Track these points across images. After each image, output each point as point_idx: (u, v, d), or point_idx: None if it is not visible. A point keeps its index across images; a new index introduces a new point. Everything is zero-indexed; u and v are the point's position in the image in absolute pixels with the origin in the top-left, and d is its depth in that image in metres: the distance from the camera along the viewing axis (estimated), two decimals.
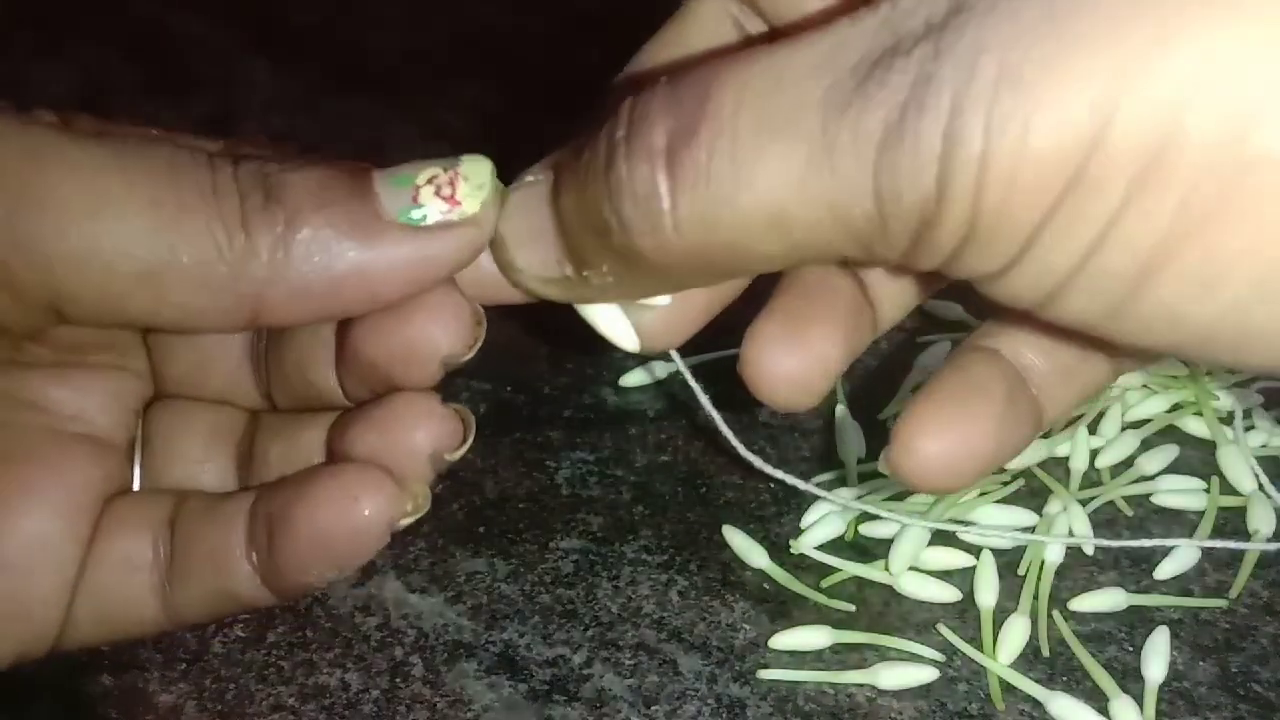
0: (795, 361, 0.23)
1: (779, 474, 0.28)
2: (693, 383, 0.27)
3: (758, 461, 0.28)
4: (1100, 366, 0.25)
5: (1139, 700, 0.29)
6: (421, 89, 0.55)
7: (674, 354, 0.25)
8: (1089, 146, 0.16)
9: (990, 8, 0.17)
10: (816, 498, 0.34)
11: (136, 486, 0.26)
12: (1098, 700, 0.29)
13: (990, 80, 0.17)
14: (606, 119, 0.20)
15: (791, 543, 0.33)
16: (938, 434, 0.23)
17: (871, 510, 0.31)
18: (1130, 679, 0.30)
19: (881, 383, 0.39)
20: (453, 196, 0.21)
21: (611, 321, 0.23)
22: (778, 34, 0.23)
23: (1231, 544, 0.32)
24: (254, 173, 0.21)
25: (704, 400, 0.27)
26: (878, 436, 0.36)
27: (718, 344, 0.40)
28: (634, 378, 0.38)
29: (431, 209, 0.21)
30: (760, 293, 0.24)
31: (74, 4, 0.61)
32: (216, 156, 0.21)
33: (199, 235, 0.20)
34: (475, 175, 0.22)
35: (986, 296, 0.20)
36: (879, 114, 0.17)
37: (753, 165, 0.18)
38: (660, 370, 0.39)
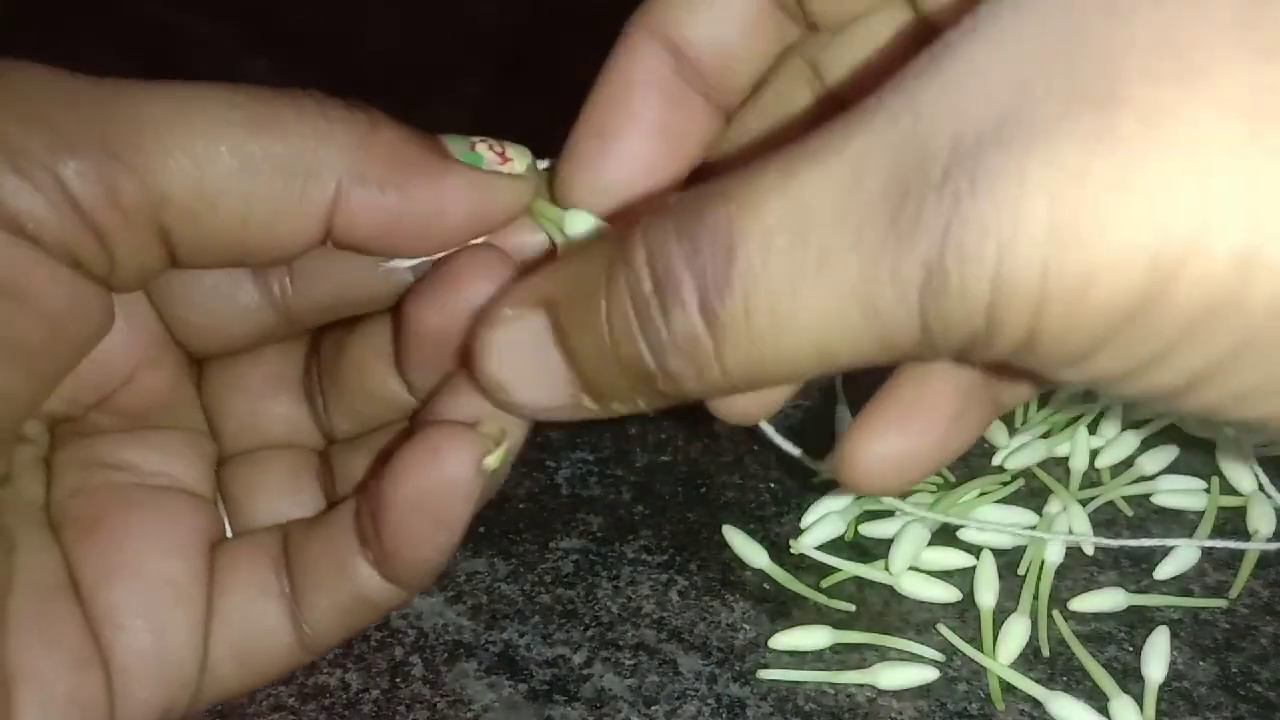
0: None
1: (803, 456, 0.29)
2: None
3: (788, 445, 0.29)
4: None
5: (1139, 700, 0.29)
6: (421, 89, 0.55)
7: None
8: (1152, 296, 0.16)
9: (1031, 133, 0.16)
10: (816, 498, 0.34)
11: (230, 535, 0.26)
12: (1098, 700, 0.29)
13: (1041, 228, 0.16)
14: (614, 257, 0.20)
15: (791, 543, 0.33)
16: (883, 437, 0.23)
17: (883, 502, 0.31)
18: (1130, 679, 0.30)
19: (881, 383, 0.39)
20: (504, 154, 0.23)
21: None
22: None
23: (1231, 544, 0.32)
24: (324, 96, 0.22)
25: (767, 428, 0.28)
26: None
27: None
28: None
29: (488, 158, 0.23)
30: None
31: (74, 4, 0.61)
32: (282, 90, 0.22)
33: (284, 124, 0.21)
34: (518, 149, 0.24)
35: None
36: (917, 257, 0.17)
37: (793, 316, 0.18)
38: None
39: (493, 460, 0.23)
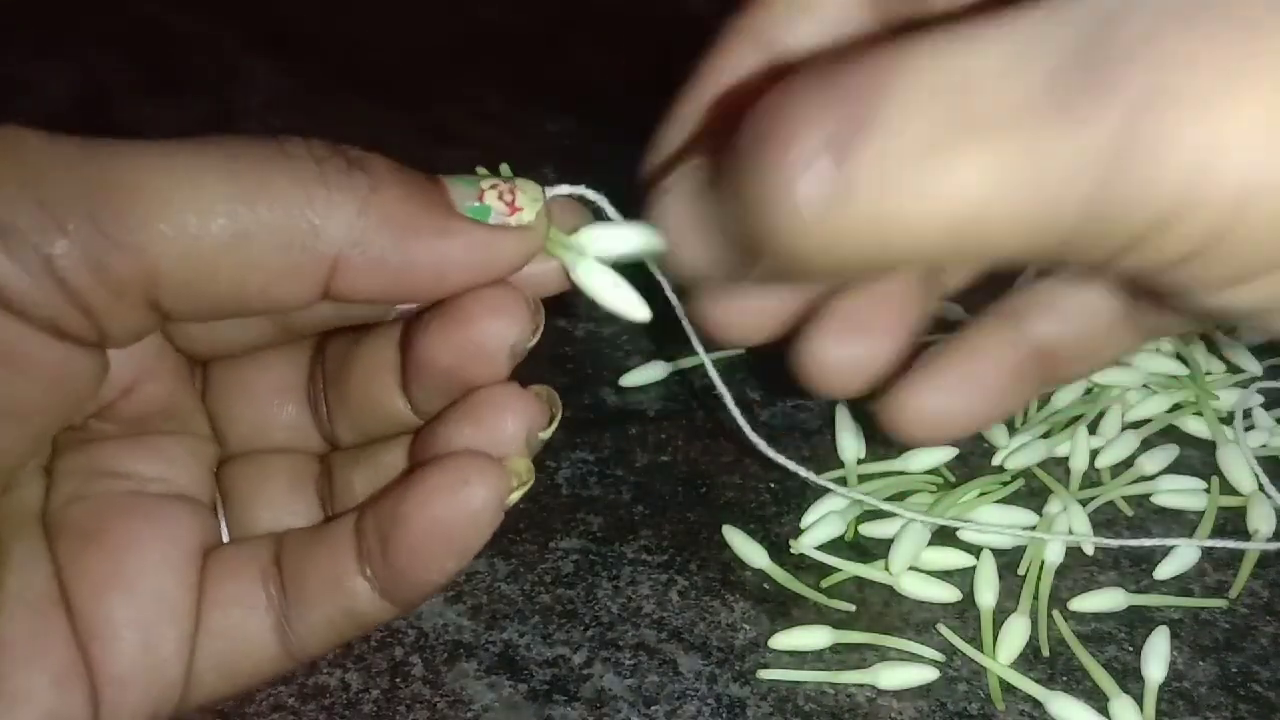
0: (851, 352, 0.23)
1: (798, 468, 0.28)
2: (718, 381, 0.27)
3: (781, 459, 0.28)
4: (1124, 340, 0.25)
5: (1139, 700, 0.29)
6: (421, 89, 0.55)
7: (701, 351, 0.26)
8: None
9: (1225, 10, 0.15)
10: (817, 497, 0.34)
11: (227, 540, 0.26)
12: (1098, 700, 0.29)
13: (1262, 112, 0.15)
14: (755, 113, 0.18)
15: (791, 543, 0.33)
16: (935, 391, 0.23)
17: (878, 505, 0.31)
18: (1130, 679, 0.30)
19: (882, 383, 0.39)
20: (514, 203, 0.22)
21: (619, 294, 0.23)
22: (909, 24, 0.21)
23: (1231, 544, 0.32)
24: (328, 146, 0.22)
25: (727, 399, 0.27)
26: (878, 437, 0.37)
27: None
28: (634, 377, 0.38)
29: (496, 208, 0.22)
30: None
31: (74, 4, 0.61)
32: (282, 137, 0.22)
33: (280, 194, 0.20)
34: (530, 190, 0.23)
35: (1145, 288, 0.18)
36: (1104, 126, 0.16)
37: (937, 173, 0.17)
38: (660, 370, 0.39)
39: (515, 497, 0.23)
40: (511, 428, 0.23)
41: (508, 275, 0.23)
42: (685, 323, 0.26)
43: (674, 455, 0.36)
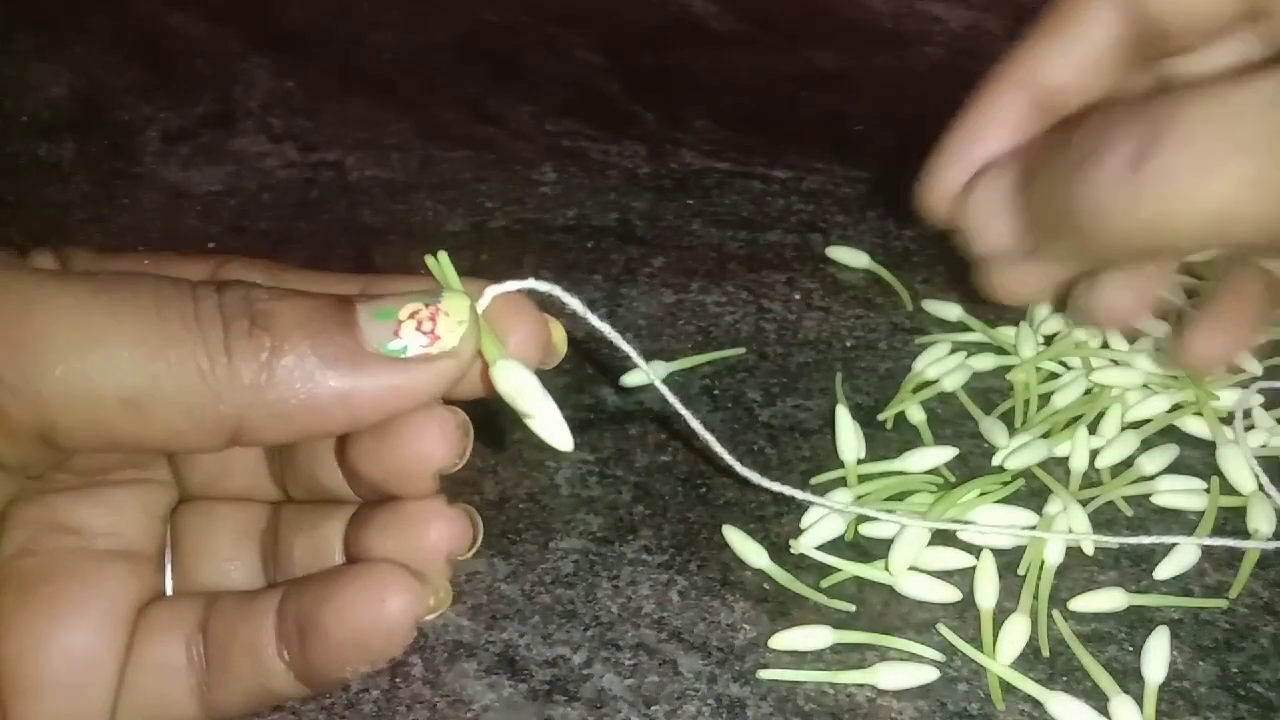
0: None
1: (773, 485, 0.29)
2: (676, 403, 0.28)
3: (754, 476, 0.29)
4: None
5: (1139, 700, 0.29)
6: (421, 89, 0.55)
7: (654, 378, 0.27)
8: None
9: None
10: (818, 496, 0.34)
11: (169, 590, 0.26)
12: (1098, 700, 0.29)
13: None
14: (1077, 131, 0.25)
15: (791, 543, 0.33)
16: (1210, 339, 0.31)
17: (870, 514, 0.31)
18: (1130, 679, 0.30)
19: (881, 383, 0.39)
20: (433, 332, 0.22)
21: (545, 423, 0.24)
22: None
23: (1231, 542, 0.32)
24: (240, 299, 0.21)
25: (695, 423, 0.28)
26: (878, 437, 0.37)
27: (712, 344, 0.40)
28: (634, 378, 0.38)
29: (412, 343, 0.22)
30: None
31: (74, 4, 0.61)
32: (202, 285, 0.22)
33: (182, 363, 0.21)
34: (456, 311, 0.22)
35: None
36: None
37: (1210, 173, 0.23)
38: (660, 369, 0.39)
39: (431, 616, 0.24)
40: (433, 546, 0.24)
41: (427, 403, 0.23)
42: (633, 354, 0.26)
43: (674, 455, 0.36)
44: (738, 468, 0.29)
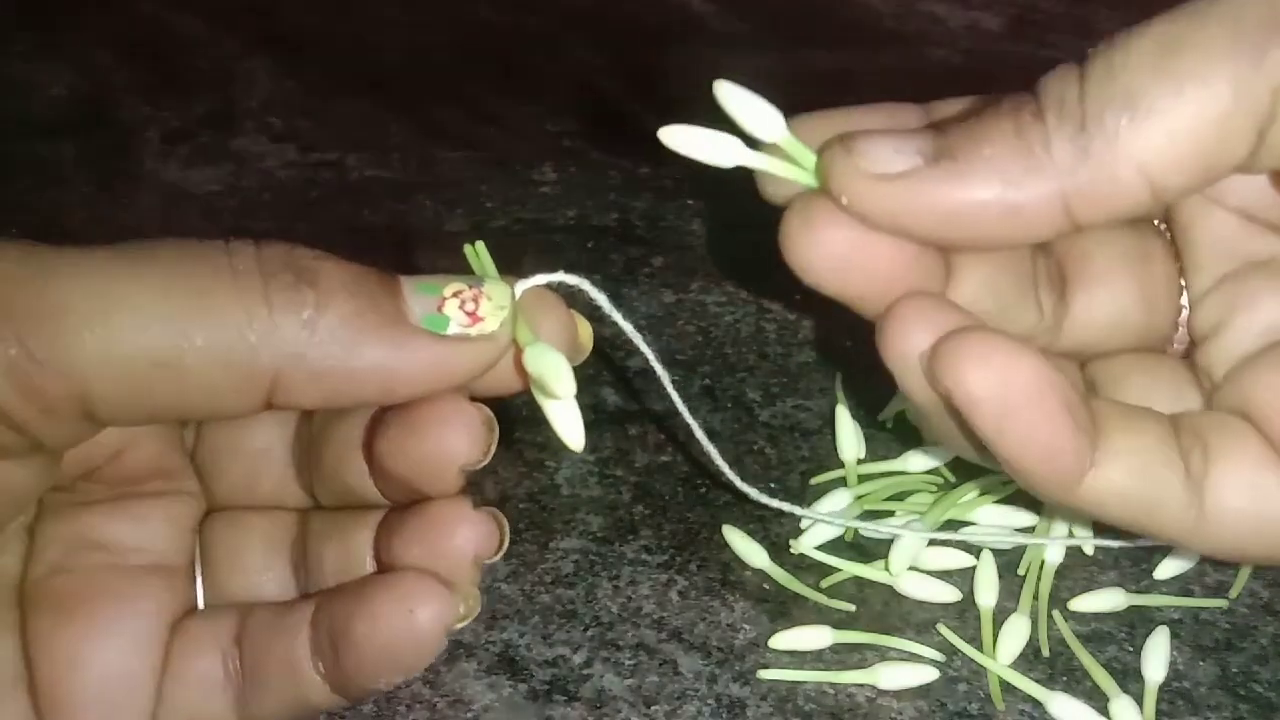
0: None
1: (768, 500, 0.29)
2: (685, 411, 0.28)
3: (754, 492, 0.29)
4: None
5: (1139, 700, 0.29)
6: (421, 89, 0.55)
7: (666, 381, 0.27)
8: None
9: None
10: (817, 498, 0.34)
11: (201, 604, 0.26)
12: (1098, 700, 0.29)
13: None
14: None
15: (791, 543, 0.33)
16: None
17: (867, 528, 0.30)
18: (1130, 679, 0.30)
19: (881, 383, 0.39)
20: (475, 312, 0.22)
21: (561, 415, 0.24)
22: None
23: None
24: (281, 254, 0.21)
25: (698, 431, 0.28)
26: (878, 437, 0.37)
27: (710, 357, 0.40)
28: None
29: (455, 319, 0.22)
30: None
31: (74, 4, 0.61)
32: (236, 241, 0.21)
33: (217, 316, 0.20)
34: (497, 297, 0.22)
35: None
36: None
37: (1153, 105, 0.20)
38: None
39: (462, 624, 0.24)
40: (460, 550, 0.24)
41: (463, 385, 0.22)
42: (651, 357, 0.27)
43: (674, 455, 0.36)
44: (739, 484, 0.29)
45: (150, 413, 0.21)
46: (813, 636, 0.31)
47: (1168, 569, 0.32)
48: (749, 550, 0.33)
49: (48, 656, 0.23)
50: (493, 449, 0.24)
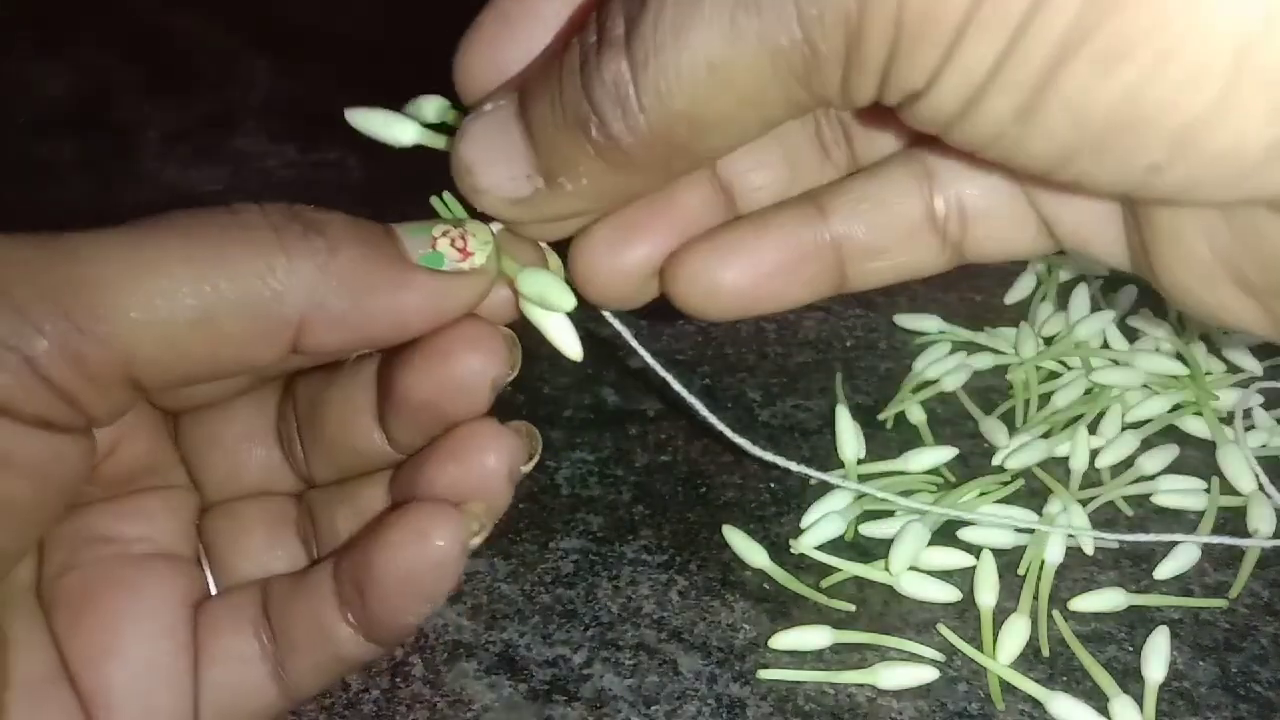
0: (627, 257, 0.25)
1: (788, 463, 0.29)
2: (684, 392, 0.28)
3: (769, 456, 0.29)
4: (927, 251, 0.26)
5: (1139, 700, 0.29)
6: (421, 89, 0.55)
7: (651, 360, 0.27)
8: None
9: None
10: (817, 497, 0.34)
11: (214, 591, 0.26)
12: (1098, 700, 0.29)
13: None
14: (570, 32, 0.22)
15: (791, 543, 0.33)
16: (714, 260, 0.25)
17: (880, 496, 0.30)
18: (1130, 679, 0.30)
19: (881, 383, 0.39)
20: (465, 249, 0.23)
21: (559, 330, 0.25)
22: None
23: (1230, 540, 0.32)
24: (285, 210, 0.22)
25: (701, 407, 0.28)
26: (878, 437, 0.37)
27: (713, 360, 0.40)
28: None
29: (449, 255, 0.23)
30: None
31: (74, 4, 0.61)
32: (237, 204, 0.22)
33: (240, 270, 0.21)
34: (480, 233, 0.24)
35: (915, 126, 0.21)
36: None
37: (690, 25, 0.19)
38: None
39: (476, 540, 0.24)
40: (494, 465, 0.24)
41: (463, 314, 0.24)
42: (635, 345, 0.27)
43: (674, 455, 0.36)
44: (750, 448, 0.29)
45: (187, 373, 0.22)
46: (813, 636, 0.31)
47: (1168, 569, 0.32)
48: (749, 550, 0.33)
49: (78, 651, 0.24)
50: (518, 364, 0.24)
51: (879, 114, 0.23)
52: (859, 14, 0.18)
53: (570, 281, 0.25)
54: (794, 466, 0.29)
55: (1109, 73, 0.18)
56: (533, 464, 0.25)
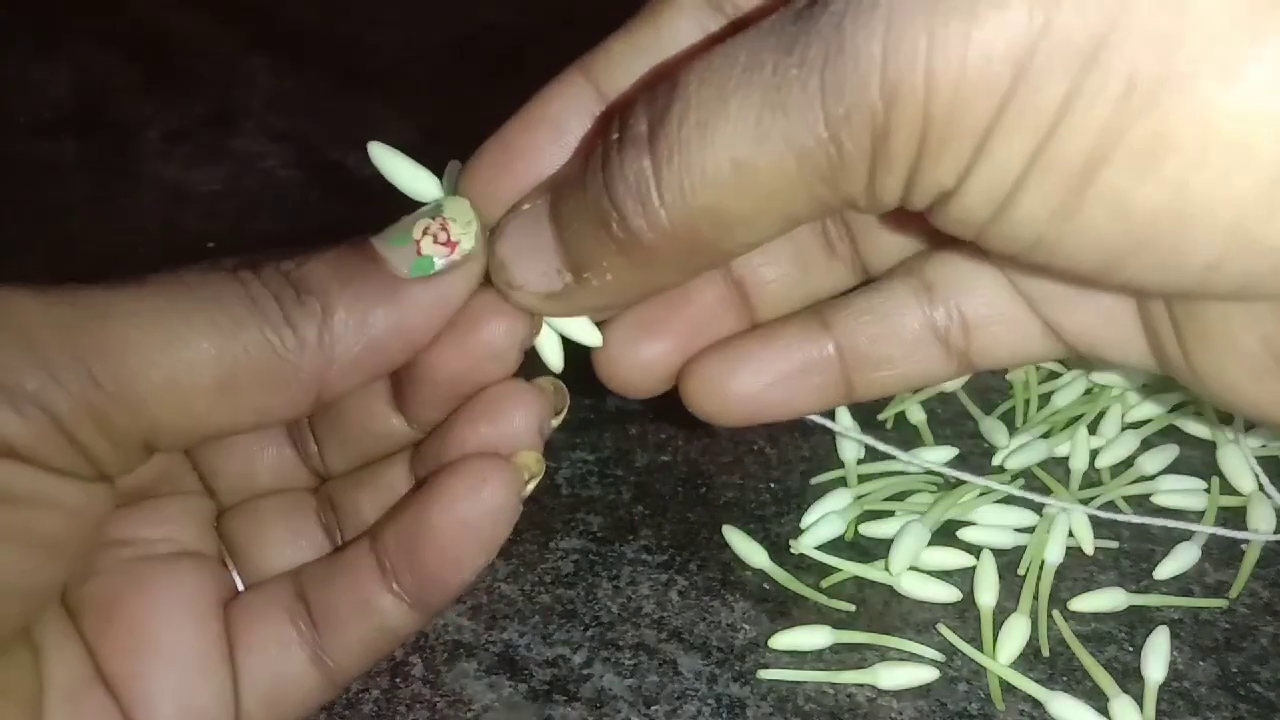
0: (647, 351, 0.26)
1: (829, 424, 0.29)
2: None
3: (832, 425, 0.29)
4: (935, 362, 0.26)
5: (1139, 700, 0.29)
6: (421, 89, 0.55)
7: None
8: (1035, 36, 0.17)
9: None
10: (817, 497, 0.34)
11: (241, 588, 0.26)
12: (1098, 700, 0.29)
13: (922, 8, 0.17)
14: (598, 132, 0.22)
15: (791, 543, 0.33)
16: (725, 369, 0.26)
17: (883, 450, 0.30)
18: (1130, 679, 0.30)
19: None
20: (449, 240, 0.23)
21: (545, 341, 0.25)
22: (740, 24, 0.24)
23: (1230, 533, 0.32)
24: (275, 275, 0.23)
25: None
26: (878, 437, 0.37)
27: None
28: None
29: (436, 255, 0.23)
30: None
31: (74, 4, 0.61)
32: (240, 270, 0.23)
33: (257, 342, 0.22)
34: (460, 214, 0.24)
35: (948, 230, 0.21)
36: (819, 42, 0.18)
37: (715, 124, 0.20)
38: None
39: (529, 488, 0.25)
40: (523, 421, 0.25)
41: (466, 299, 0.24)
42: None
43: (674, 455, 0.36)
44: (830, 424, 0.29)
45: (204, 437, 0.23)
46: (813, 636, 0.31)
47: (1168, 569, 0.32)
48: (749, 550, 0.33)
49: (111, 654, 0.24)
50: (542, 326, 0.25)
51: (885, 215, 0.23)
52: (885, 111, 0.18)
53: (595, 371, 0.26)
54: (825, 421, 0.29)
55: (1151, 168, 0.18)
56: (560, 419, 0.26)
